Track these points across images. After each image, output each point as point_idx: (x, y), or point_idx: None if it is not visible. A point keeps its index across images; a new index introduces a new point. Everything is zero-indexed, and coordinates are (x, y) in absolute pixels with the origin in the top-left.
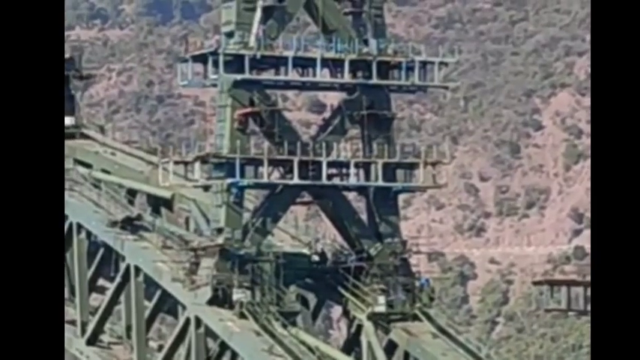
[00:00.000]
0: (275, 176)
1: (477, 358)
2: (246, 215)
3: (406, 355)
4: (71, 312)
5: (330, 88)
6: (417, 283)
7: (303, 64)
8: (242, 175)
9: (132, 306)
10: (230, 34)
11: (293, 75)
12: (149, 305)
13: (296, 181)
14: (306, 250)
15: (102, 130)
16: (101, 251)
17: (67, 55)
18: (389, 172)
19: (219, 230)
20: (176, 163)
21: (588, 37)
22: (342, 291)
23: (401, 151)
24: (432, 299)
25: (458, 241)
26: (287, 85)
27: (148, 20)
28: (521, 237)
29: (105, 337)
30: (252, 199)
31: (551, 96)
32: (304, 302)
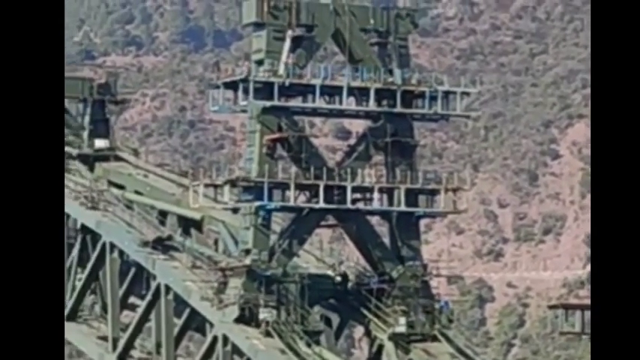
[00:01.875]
0: (301, 200)
1: None
2: (273, 237)
3: None
4: (103, 328)
5: (355, 115)
6: (437, 305)
7: (330, 92)
8: (270, 199)
9: (162, 323)
10: (260, 62)
11: (320, 102)
12: (178, 323)
13: (321, 204)
14: (330, 272)
15: (135, 152)
16: (133, 270)
17: (102, 81)
18: (411, 197)
19: (247, 251)
20: (206, 185)
21: None
22: (365, 312)
23: (423, 177)
24: (450, 321)
25: (477, 265)
26: (314, 112)
27: (181, 47)
28: (538, 262)
29: (135, 353)
30: (279, 222)
31: (568, 126)
32: (328, 322)
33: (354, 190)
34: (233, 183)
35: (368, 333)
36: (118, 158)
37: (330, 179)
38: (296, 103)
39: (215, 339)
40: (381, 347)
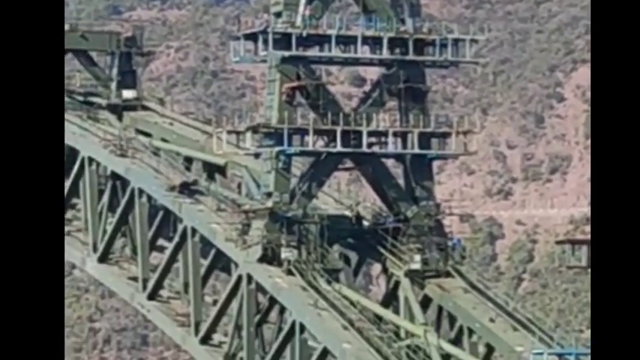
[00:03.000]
0: (320, 144)
1: (505, 311)
2: (293, 180)
3: (440, 308)
4: (133, 269)
5: (369, 63)
6: (450, 243)
7: (345, 41)
8: (289, 144)
9: (189, 264)
10: (278, 14)
11: (336, 52)
12: (204, 263)
13: (339, 148)
14: (348, 213)
15: (161, 102)
16: (161, 214)
17: (129, 34)
18: (424, 140)
19: (269, 194)
20: (229, 132)
21: None
22: (381, 250)
23: (435, 121)
24: (463, 257)
25: (487, 204)
26: (330, 61)
27: (203, 1)
28: (545, 200)
29: (164, 293)
30: (298, 166)
31: (572, 71)
32: (346, 260)
33: (370, 134)
34: (254, 129)
35: (385, 270)
36: (145, 108)
37: (347, 124)
38: (313, 52)
39: (240, 278)
40: (397, 283)
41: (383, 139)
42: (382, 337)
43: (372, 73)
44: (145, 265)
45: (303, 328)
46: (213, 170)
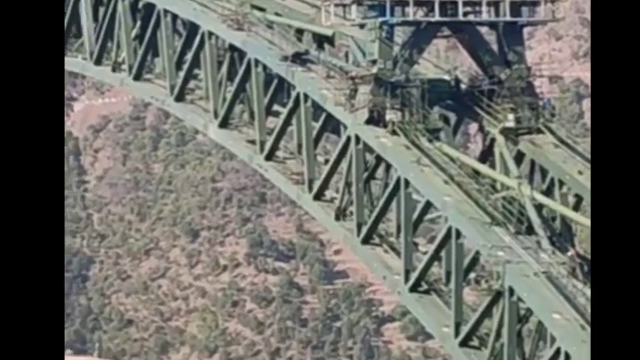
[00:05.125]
0: (419, 15)
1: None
2: (396, 48)
3: (532, 162)
4: (251, 133)
5: None
6: (541, 102)
7: None
8: (392, 14)
9: (302, 127)
10: None
11: None
12: (316, 126)
13: (437, 18)
14: (446, 77)
15: None
16: (275, 82)
17: None
18: (515, 8)
19: (374, 62)
20: (336, 5)
21: None
22: (478, 110)
23: None
24: (553, 115)
25: (574, 66)
26: None
27: None
28: None
29: (280, 153)
30: (400, 35)
31: None
32: (446, 120)
33: (465, 4)
34: (359, 2)
35: (481, 129)
36: None
37: None
38: None
39: (348, 139)
40: (492, 140)
41: (477, 8)
42: (480, 189)
43: None
44: (262, 129)
45: (407, 183)
46: (322, 41)
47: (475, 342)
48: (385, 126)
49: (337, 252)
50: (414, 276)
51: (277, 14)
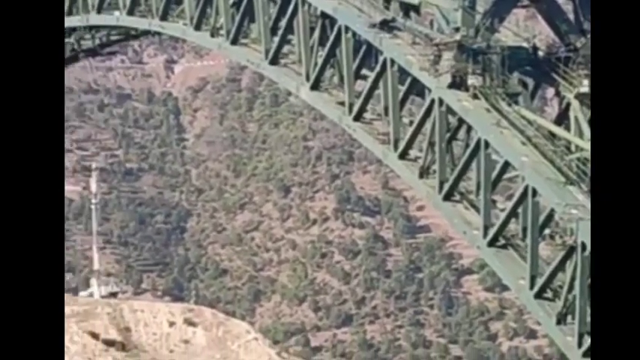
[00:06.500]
0: None
1: None
2: (478, 17)
3: None
4: (341, 95)
5: None
6: None
7: None
8: None
9: (388, 90)
10: None
11: None
12: (402, 89)
13: None
14: (525, 44)
15: None
16: (364, 47)
17: None
18: None
19: (457, 29)
20: None
21: None
22: (554, 76)
23: None
24: None
25: None
26: None
27: None
28: None
29: (367, 115)
30: (482, 4)
31: None
32: (524, 85)
33: None
34: None
35: (557, 93)
36: None
37: None
38: None
39: (432, 101)
40: (568, 105)
41: None
42: (555, 150)
43: None
44: (350, 92)
45: (487, 144)
46: (408, 9)
47: (549, 294)
48: (467, 90)
49: (420, 208)
50: (492, 231)
51: None
